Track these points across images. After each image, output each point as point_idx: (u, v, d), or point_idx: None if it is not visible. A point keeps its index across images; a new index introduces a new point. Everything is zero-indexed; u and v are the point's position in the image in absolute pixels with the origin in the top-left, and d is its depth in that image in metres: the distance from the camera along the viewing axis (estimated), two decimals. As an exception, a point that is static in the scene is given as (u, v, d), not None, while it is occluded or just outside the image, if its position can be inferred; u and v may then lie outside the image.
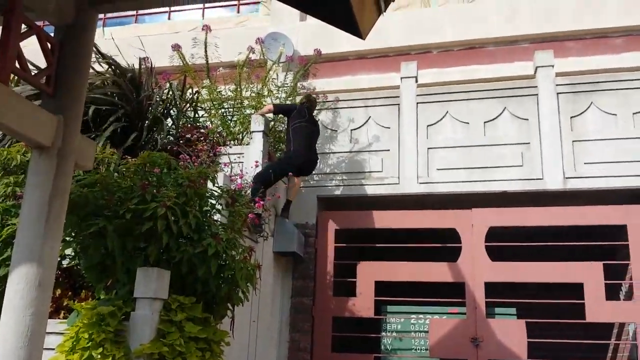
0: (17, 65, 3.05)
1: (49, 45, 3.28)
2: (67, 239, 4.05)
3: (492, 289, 7.26)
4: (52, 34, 3.38)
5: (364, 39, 3.71)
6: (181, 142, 6.68)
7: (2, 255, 3.97)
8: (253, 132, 7.16)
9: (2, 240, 3.99)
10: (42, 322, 2.81)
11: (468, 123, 7.81)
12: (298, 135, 7.01)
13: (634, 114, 7.35)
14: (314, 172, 7.96)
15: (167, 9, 12.91)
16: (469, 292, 7.21)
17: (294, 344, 7.45)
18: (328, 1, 3.56)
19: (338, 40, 9.88)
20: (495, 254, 7.32)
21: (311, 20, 10.78)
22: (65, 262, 4.45)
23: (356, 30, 3.62)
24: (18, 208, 4.17)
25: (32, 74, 3.25)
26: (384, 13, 3.71)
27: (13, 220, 4.06)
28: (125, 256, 3.85)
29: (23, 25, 3.10)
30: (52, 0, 3.24)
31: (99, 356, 3.42)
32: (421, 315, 7.75)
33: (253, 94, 8.02)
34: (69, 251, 4.32)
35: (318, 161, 7.44)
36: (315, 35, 10.16)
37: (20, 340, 2.75)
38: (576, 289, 6.99)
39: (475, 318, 7.10)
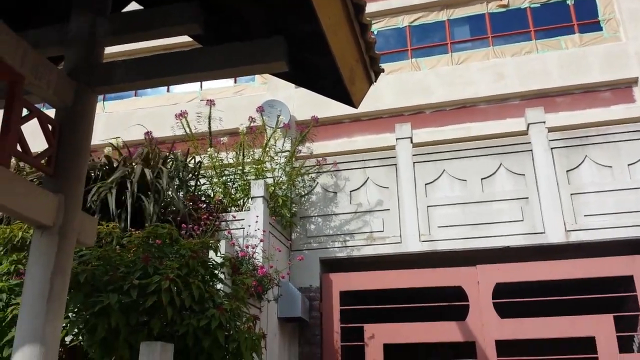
0: (18, 148, 3.11)
1: (50, 127, 3.36)
2: (70, 315, 4.03)
3: (503, 346, 7.13)
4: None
5: (357, 108, 3.84)
6: (184, 211, 6.73)
7: (7, 335, 3.95)
8: (253, 197, 7.24)
9: (7, 321, 3.97)
10: (47, 404, 2.77)
11: (465, 180, 7.90)
12: None
13: (628, 165, 7.45)
14: (315, 235, 8.01)
15: (166, 81, 13.28)
16: (480, 351, 7.07)
17: (303, 414, 7.25)
18: (320, 76, 3.70)
19: (333, 105, 10.06)
20: (504, 311, 7.23)
21: (306, 87, 11.09)
22: (68, 339, 4.41)
23: (349, 100, 3.76)
24: (22, 286, 4.17)
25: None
26: (375, 83, 3.86)
27: (17, 300, 4.06)
28: (129, 331, 3.83)
29: (24, 109, 3.19)
30: (51, 84, 3.33)
31: None
32: (432, 377, 7.55)
33: (254, 160, 8.16)
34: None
35: None
36: (310, 100, 10.42)
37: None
38: (588, 343, 6.86)
39: (487, 378, 6.94)
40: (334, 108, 10.41)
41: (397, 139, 8.50)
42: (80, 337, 3.99)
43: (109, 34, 3.87)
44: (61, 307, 3.03)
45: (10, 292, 4.18)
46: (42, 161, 3.31)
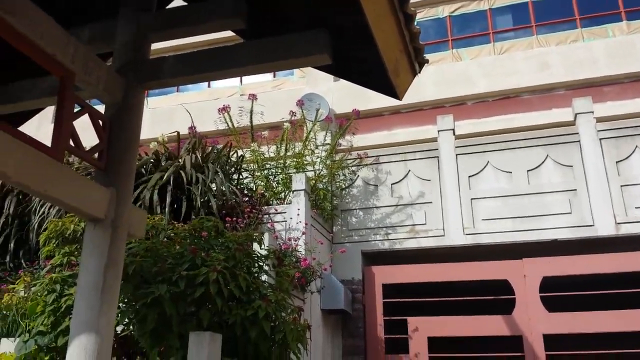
0: (71, 143, 3.18)
1: (100, 122, 3.43)
2: (121, 305, 4.14)
3: (551, 340, 6.98)
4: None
5: (401, 100, 3.80)
6: (227, 204, 6.82)
7: (61, 325, 4.08)
8: (295, 190, 7.27)
9: (62, 311, 4.10)
10: (101, 392, 2.84)
11: (511, 172, 7.75)
12: None
13: (683, 154, 7.17)
14: (357, 228, 8.00)
15: (207, 77, 13.48)
16: (527, 346, 6.95)
17: (347, 406, 7.28)
18: (364, 68, 3.68)
19: (372, 98, 10.06)
20: (552, 305, 7.07)
21: (345, 81, 11.08)
22: (119, 329, 4.53)
23: (392, 92, 3.72)
24: (74, 277, 4.31)
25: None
26: (419, 74, 3.80)
27: (70, 290, 4.19)
28: (178, 321, 3.90)
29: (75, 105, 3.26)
30: (101, 80, 3.40)
31: None
32: (479, 371, 7.44)
33: (295, 154, 8.19)
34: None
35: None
36: (349, 94, 10.42)
37: (81, 411, 2.78)
38: (638, 338, 6.65)
39: (534, 373, 6.81)
40: (374, 101, 10.38)
41: (439, 131, 8.40)
42: (131, 327, 4.09)
43: (155, 30, 3.92)
44: (114, 298, 3.10)
45: (64, 282, 4.31)
46: (94, 156, 3.39)
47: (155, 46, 4.60)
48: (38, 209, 6.30)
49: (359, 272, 7.82)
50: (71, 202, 2.98)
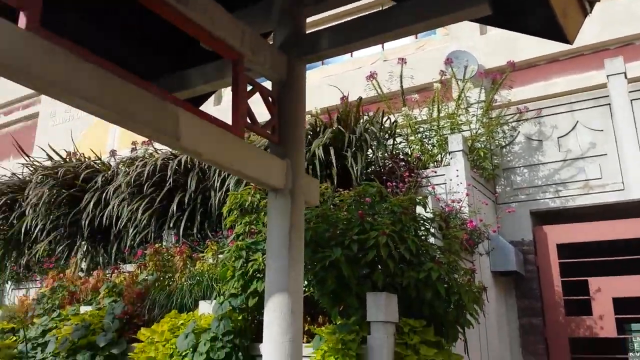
0: (247, 120, 3.43)
1: (270, 99, 3.64)
2: (300, 270, 4.41)
3: None
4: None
5: (572, 44, 3.52)
6: (384, 170, 6.90)
7: (249, 287, 4.47)
8: (451, 152, 7.11)
9: (249, 275, 4.49)
10: (298, 347, 3.08)
11: (700, 114, 6.85)
12: None
13: None
14: (522, 187, 7.64)
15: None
16: None
17: (529, 368, 7.09)
18: (526, 13, 3.47)
19: (523, 48, 9.52)
20: None
21: (491, 33, 10.51)
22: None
23: (561, 36, 3.47)
24: (257, 244, 4.67)
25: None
26: (590, 14, 3.51)
27: (254, 256, 4.55)
28: (355, 282, 4.07)
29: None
30: (267, 60, 3.59)
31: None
32: (674, 334, 6.78)
33: (448, 115, 8.01)
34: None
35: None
36: (497, 46, 9.91)
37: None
38: None
39: None
40: (525, 51, 9.76)
41: (607, 76, 7.64)
42: (311, 289, 4.35)
43: (310, 4, 4.02)
44: (300, 257, 3.32)
45: (248, 249, 4.69)
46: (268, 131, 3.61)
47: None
48: (218, 185, 6.89)
49: (529, 233, 7.47)
50: (254, 174, 3.23)
